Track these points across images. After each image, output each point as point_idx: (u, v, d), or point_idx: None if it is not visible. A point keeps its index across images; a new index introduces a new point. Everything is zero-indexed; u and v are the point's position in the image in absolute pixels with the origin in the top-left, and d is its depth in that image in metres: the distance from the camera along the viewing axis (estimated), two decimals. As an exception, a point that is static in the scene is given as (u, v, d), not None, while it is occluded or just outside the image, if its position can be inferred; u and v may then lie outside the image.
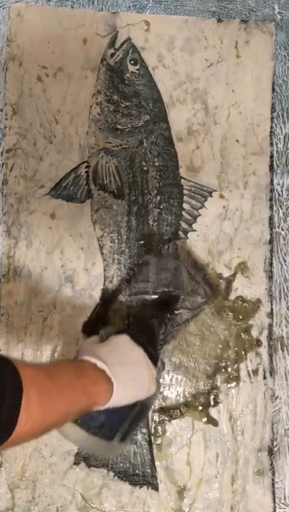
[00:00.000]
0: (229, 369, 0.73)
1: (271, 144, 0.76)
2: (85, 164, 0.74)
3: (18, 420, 0.42)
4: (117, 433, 0.59)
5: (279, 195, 0.76)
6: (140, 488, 0.71)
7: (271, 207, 0.76)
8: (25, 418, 0.43)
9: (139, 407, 0.61)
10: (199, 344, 0.73)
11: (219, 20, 0.77)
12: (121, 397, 0.56)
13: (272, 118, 0.77)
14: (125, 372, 0.58)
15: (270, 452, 0.72)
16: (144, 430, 0.72)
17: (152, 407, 0.67)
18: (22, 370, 0.44)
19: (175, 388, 0.73)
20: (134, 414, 0.61)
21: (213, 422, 0.72)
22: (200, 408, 0.72)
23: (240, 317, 0.74)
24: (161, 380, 0.72)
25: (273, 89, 0.77)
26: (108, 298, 0.73)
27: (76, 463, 0.71)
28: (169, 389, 0.73)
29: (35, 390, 0.45)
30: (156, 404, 0.72)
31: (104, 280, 0.73)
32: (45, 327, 0.72)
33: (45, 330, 0.72)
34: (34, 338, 0.72)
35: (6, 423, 0.42)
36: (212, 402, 0.72)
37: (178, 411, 0.72)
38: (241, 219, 0.75)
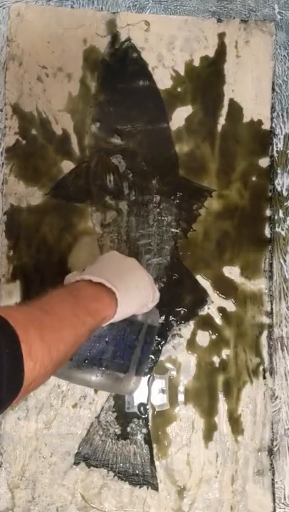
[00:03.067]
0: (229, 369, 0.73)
1: (271, 144, 0.76)
2: (85, 164, 0.74)
3: (24, 369, 0.40)
4: (131, 362, 0.57)
5: (279, 195, 0.76)
6: (140, 488, 0.71)
7: (271, 207, 0.76)
8: (31, 364, 0.41)
9: (145, 328, 0.58)
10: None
11: (219, 20, 0.77)
12: (127, 304, 0.54)
13: (272, 118, 0.77)
14: (124, 279, 0.56)
15: (270, 452, 0.72)
16: (144, 430, 0.72)
17: (158, 326, 0.64)
18: (13, 315, 0.42)
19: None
20: (143, 337, 0.58)
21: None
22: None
23: (241, 317, 0.74)
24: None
25: (273, 89, 0.77)
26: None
27: (76, 463, 0.71)
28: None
29: (33, 331, 0.43)
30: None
31: (104, 280, 0.73)
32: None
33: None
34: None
35: (12, 378, 0.40)
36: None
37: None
38: (241, 219, 0.75)
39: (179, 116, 0.76)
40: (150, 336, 0.61)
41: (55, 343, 0.44)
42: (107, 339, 0.57)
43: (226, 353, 0.73)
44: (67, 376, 0.59)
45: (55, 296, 0.51)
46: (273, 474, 0.72)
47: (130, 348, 0.57)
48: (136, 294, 0.56)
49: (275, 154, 0.77)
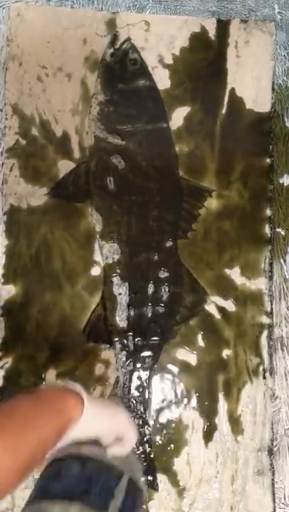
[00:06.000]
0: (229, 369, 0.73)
1: (271, 144, 0.76)
2: (85, 164, 0.74)
3: None
4: (109, 506, 0.50)
5: (279, 195, 0.76)
6: (140, 488, 0.71)
7: (271, 207, 0.76)
8: None
9: (126, 480, 0.54)
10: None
11: (219, 21, 0.77)
12: (95, 412, 0.52)
13: (272, 118, 0.77)
14: (96, 399, 0.55)
15: (270, 452, 0.72)
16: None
17: (140, 484, 0.57)
18: None
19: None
20: (124, 489, 0.53)
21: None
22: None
23: (241, 317, 0.74)
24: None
25: (273, 89, 0.77)
26: (107, 298, 0.73)
27: (76, 463, 0.71)
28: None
29: None
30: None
31: (104, 280, 0.73)
32: (45, 327, 0.72)
33: (45, 330, 0.72)
34: (34, 338, 0.72)
35: None
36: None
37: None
38: (241, 219, 0.75)
39: (179, 116, 0.76)
40: (132, 491, 0.54)
41: (18, 445, 0.44)
42: (75, 477, 0.52)
43: (226, 353, 0.73)
44: None
45: (17, 399, 0.50)
46: (273, 474, 0.72)
47: (107, 491, 0.51)
48: (104, 412, 0.54)
49: (275, 154, 0.77)
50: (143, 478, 0.58)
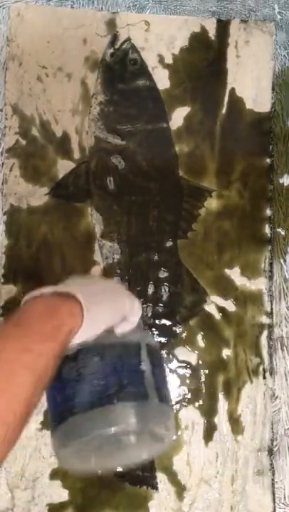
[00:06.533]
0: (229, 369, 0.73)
1: (271, 144, 0.76)
2: (85, 164, 0.74)
3: None
4: (147, 387, 0.48)
5: (279, 195, 0.77)
6: (140, 488, 0.71)
7: (271, 207, 0.76)
8: None
9: (145, 349, 0.51)
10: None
11: (219, 21, 0.77)
12: (97, 308, 0.47)
13: (272, 118, 0.77)
14: (87, 285, 0.50)
15: (270, 452, 0.72)
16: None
17: (155, 344, 0.55)
18: None
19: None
20: (147, 360, 0.50)
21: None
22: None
23: (241, 317, 0.74)
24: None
25: (273, 89, 0.77)
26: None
27: (76, 463, 0.71)
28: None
29: None
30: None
31: (104, 280, 0.73)
32: (45, 327, 0.72)
33: (45, 330, 0.72)
34: (34, 338, 0.72)
35: None
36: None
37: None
38: (241, 219, 0.75)
39: (179, 116, 0.76)
40: (155, 357, 0.52)
41: (10, 402, 0.39)
42: (101, 375, 0.47)
43: (225, 353, 0.73)
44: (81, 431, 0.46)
45: (5, 320, 0.44)
46: (273, 474, 0.72)
47: (137, 372, 0.48)
48: (104, 297, 0.50)
49: (275, 154, 0.77)
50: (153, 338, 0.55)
